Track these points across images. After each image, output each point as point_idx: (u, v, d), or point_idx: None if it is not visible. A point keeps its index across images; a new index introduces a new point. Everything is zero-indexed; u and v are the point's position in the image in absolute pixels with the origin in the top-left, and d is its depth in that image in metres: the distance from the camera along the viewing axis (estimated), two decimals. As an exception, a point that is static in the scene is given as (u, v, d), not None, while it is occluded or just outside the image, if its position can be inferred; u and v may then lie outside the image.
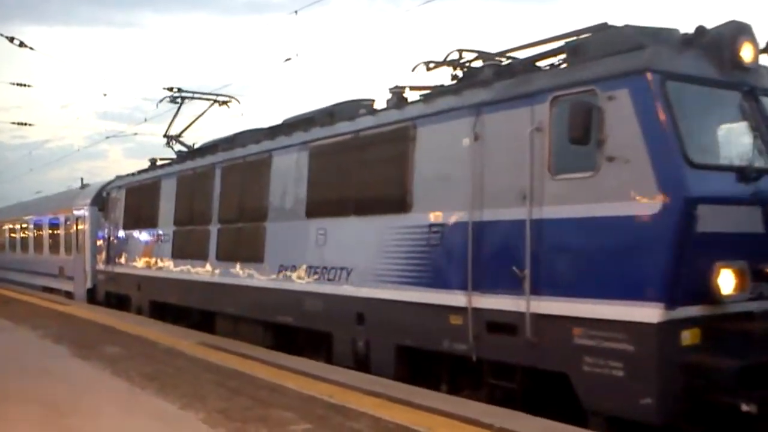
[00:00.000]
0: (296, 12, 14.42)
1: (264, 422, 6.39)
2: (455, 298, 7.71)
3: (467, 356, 7.59)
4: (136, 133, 31.46)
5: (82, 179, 37.70)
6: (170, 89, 20.10)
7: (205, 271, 13.08)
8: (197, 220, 13.56)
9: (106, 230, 19.12)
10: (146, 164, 17.89)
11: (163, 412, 6.87)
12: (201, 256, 13.21)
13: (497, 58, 8.60)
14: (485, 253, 7.45)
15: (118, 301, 18.05)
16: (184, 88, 16.66)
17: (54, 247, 25.17)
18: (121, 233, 17.89)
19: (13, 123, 59.69)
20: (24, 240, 30.33)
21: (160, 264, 15.24)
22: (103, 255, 19.20)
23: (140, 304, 16.55)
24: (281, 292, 10.70)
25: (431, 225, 8.15)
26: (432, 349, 8.13)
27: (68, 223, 23.22)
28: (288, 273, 10.61)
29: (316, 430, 6.21)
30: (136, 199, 17.20)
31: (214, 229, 12.88)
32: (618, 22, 7.35)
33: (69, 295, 22.60)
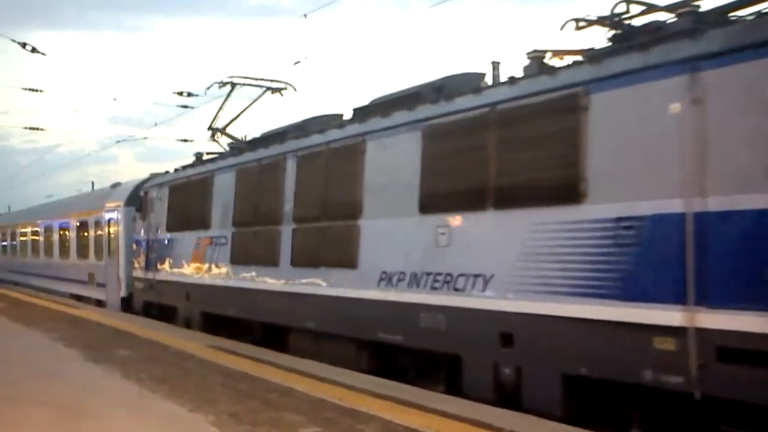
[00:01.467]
0: (305, 16, 14.42)
1: (274, 425, 6.34)
2: (664, 315, 5.81)
3: (685, 392, 5.70)
4: (146, 138, 30.12)
5: (93, 183, 36.30)
6: (180, 93, 18.62)
7: (275, 279, 11.13)
8: (264, 219, 11.54)
9: (144, 233, 17.01)
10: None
11: (173, 415, 6.83)
12: (269, 261, 11.23)
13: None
14: (715, 255, 5.54)
15: (161, 312, 15.98)
16: (236, 76, 14.68)
17: (82, 252, 22.96)
18: (164, 236, 15.77)
19: (25, 128, 58.83)
20: (48, 243, 27.86)
21: (215, 270, 13.18)
22: (142, 260, 17.06)
23: (189, 316, 14.49)
24: (384, 305, 8.79)
25: (620, 218, 6.24)
26: (623, 381, 6.23)
27: (98, 225, 21.02)
28: (393, 280, 8.71)
29: (327, 433, 6.07)
30: (182, 198, 15.03)
31: (287, 229, 10.93)
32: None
33: (100, 303, 20.49)
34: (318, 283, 10.09)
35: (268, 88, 14.69)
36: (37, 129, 26.89)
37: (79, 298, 22.61)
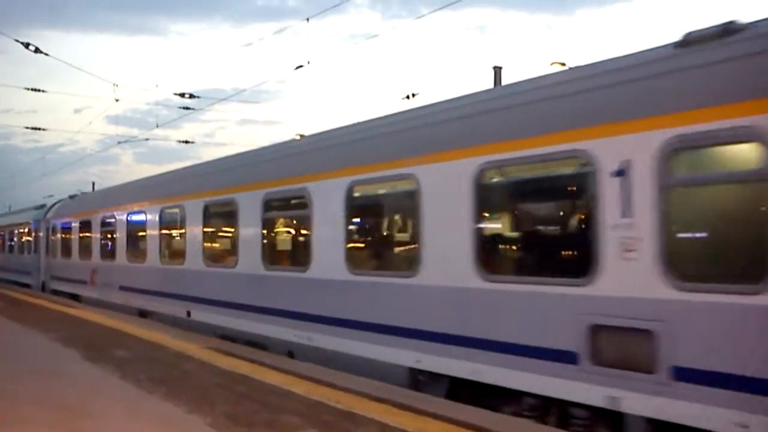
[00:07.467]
0: (308, 20, 14.16)
1: (271, 427, 6.36)
2: None
3: None
4: (147, 138, 30.30)
5: (93, 183, 35.89)
6: (182, 95, 18.20)
7: None
8: None
9: None
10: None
11: (170, 416, 6.85)
12: None
13: None
14: None
15: None
16: None
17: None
18: None
19: (27, 128, 59.69)
20: (272, 241, 12.27)
21: None
22: None
23: None
24: None
25: None
26: None
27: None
28: None
29: (323, 435, 6.09)
30: None
31: None
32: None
33: None
34: None
35: None
36: (39, 129, 27.10)
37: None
